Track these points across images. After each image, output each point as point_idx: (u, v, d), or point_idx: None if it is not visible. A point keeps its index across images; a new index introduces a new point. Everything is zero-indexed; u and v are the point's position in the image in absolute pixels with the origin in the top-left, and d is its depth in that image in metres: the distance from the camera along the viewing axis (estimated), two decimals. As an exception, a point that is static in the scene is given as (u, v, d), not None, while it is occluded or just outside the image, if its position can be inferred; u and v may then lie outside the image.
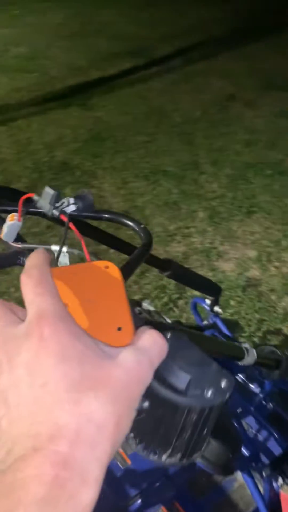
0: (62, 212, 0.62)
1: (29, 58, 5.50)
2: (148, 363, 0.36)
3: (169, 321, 1.47)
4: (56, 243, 0.64)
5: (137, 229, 0.80)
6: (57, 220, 0.63)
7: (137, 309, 1.81)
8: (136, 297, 2.36)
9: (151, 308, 1.72)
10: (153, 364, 0.37)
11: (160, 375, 0.48)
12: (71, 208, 0.63)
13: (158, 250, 2.69)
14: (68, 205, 0.62)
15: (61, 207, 0.62)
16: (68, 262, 0.64)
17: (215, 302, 1.51)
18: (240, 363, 0.83)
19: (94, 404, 0.29)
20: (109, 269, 0.50)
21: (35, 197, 0.68)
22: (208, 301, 1.61)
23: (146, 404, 0.48)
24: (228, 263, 2.65)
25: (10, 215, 0.70)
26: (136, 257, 0.77)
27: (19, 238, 0.73)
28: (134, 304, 2.02)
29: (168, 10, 7.50)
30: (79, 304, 0.45)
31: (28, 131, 3.90)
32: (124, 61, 5.28)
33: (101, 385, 0.30)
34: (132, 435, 0.50)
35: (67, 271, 0.49)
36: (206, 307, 1.64)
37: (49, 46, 5.86)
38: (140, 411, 0.49)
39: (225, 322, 1.52)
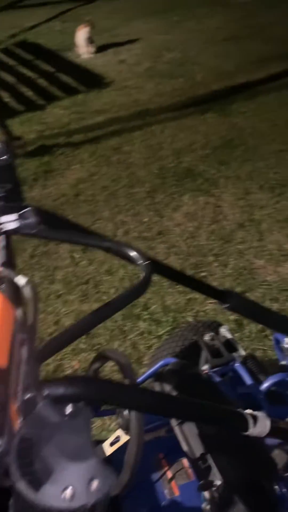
0: None
1: (179, 63, 5.56)
2: None
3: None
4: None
5: (137, 263, 0.72)
6: None
7: (209, 334, 1.67)
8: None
9: (228, 335, 1.59)
10: None
11: (28, 454, 0.41)
12: (11, 226, 0.60)
13: (267, 269, 2.49)
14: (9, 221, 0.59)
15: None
16: None
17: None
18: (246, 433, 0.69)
19: None
20: None
21: None
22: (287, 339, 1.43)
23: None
24: None
25: None
26: (127, 293, 0.70)
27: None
28: (206, 327, 1.86)
29: None
30: None
31: (161, 136, 3.95)
32: (274, 66, 5.00)
33: None
34: None
35: None
36: (285, 345, 1.45)
37: (202, 51, 5.85)
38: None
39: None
